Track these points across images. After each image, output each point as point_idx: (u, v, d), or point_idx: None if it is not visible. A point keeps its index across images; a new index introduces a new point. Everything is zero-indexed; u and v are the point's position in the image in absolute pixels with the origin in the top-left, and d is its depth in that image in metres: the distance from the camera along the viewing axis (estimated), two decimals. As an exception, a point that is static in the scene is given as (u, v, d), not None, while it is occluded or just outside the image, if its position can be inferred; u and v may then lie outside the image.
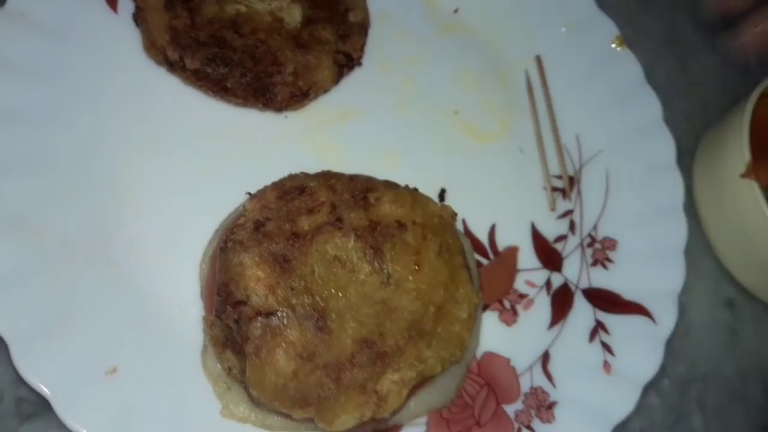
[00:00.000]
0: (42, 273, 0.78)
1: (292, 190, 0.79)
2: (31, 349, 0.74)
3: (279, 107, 0.91)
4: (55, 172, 0.84)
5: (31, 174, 0.82)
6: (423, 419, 0.83)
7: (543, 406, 0.85)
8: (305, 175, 0.82)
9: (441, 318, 0.77)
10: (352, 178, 0.82)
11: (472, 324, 0.79)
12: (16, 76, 0.85)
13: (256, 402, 0.72)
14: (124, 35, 0.92)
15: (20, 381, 0.74)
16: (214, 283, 0.75)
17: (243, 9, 0.91)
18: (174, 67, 0.89)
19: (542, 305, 0.92)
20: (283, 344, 0.71)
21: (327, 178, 0.82)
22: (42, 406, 0.74)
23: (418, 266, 0.78)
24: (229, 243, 0.75)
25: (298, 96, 0.91)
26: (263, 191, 0.79)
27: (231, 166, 0.90)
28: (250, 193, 0.79)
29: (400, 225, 0.80)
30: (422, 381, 0.76)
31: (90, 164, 0.86)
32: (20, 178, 0.82)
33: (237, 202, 0.84)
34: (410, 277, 0.77)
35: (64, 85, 0.87)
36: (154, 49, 0.89)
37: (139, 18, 0.89)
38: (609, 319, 0.90)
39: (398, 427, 0.82)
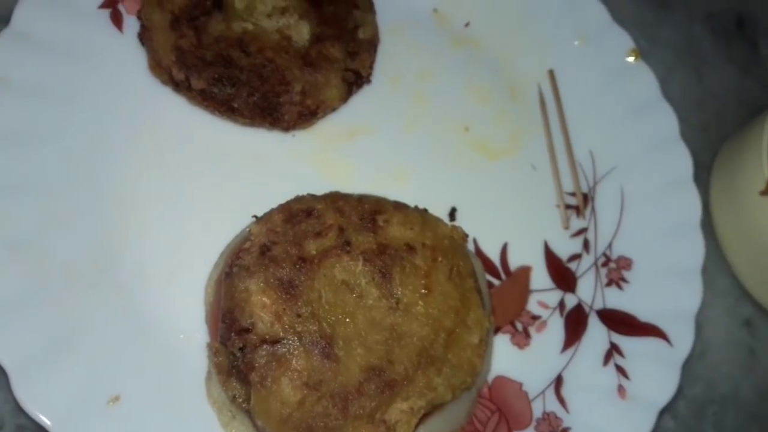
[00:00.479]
0: (43, 299, 0.77)
1: (299, 213, 0.77)
2: (30, 378, 0.73)
3: (287, 127, 0.90)
4: (58, 195, 0.83)
5: (33, 197, 0.82)
6: (433, 446, 0.81)
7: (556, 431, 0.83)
8: (312, 197, 0.80)
9: (452, 344, 0.75)
10: (360, 200, 0.81)
11: (484, 349, 0.77)
12: (19, 97, 0.84)
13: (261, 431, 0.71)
14: (129, 55, 0.91)
15: (21, 409, 0.73)
16: (219, 309, 0.74)
17: (250, 27, 0.89)
18: (180, 86, 0.87)
19: (555, 327, 0.90)
20: (289, 373, 0.69)
21: (335, 200, 0.80)
22: (43, 435, 0.73)
23: (428, 290, 0.76)
24: (234, 268, 0.74)
25: (306, 115, 0.90)
26: (269, 214, 0.78)
27: (237, 187, 0.89)
28: (256, 216, 0.78)
29: (410, 248, 0.78)
30: (432, 409, 0.74)
31: (94, 186, 0.85)
32: (23, 201, 0.81)
33: (243, 224, 0.83)
34: (420, 302, 0.75)
35: (68, 106, 0.87)
36: (159, 68, 0.88)
37: (144, 37, 0.88)
38: (624, 342, 0.88)
39: (408, 454, 0.80)
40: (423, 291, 0.76)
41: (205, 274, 0.83)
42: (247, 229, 0.79)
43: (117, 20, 0.92)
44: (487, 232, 0.94)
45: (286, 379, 0.68)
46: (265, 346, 0.69)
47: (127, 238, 0.84)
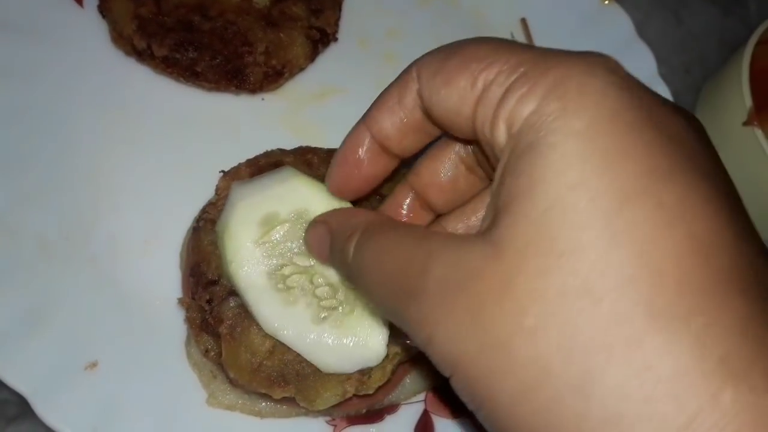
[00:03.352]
0: (16, 273, 0.76)
1: (267, 167, 0.76)
2: (7, 350, 0.72)
3: (253, 89, 0.89)
4: (28, 171, 0.82)
5: (3, 173, 0.81)
6: (421, 397, 0.79)
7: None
8: (281, 151, 0.79)
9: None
10: (330, 152, 0.79)
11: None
12: (-19, 77, 0.84)
13: (234, 384, 0.70)
14: (90, 29, 0.90)
15: (3, 383, 0.72)
16: (188, 265, 0.73)
17: (210, -9, 0.88)
18: (143, 55, 0.87)
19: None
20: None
21: (304, 153, 0.79)
22: (27, 406, 0.72)
23: (402, 237, 0.74)
24: (200, 222, 0.73)
25: (272, 76, 0.89)
26: (236, 168, 0.76)
27: (209, 154, 0.87)
28: (223, 171, 0.77)
29: (383, 197, 0.76)
30: (413, 357, 0.73)
31: (64, 160, 0.84)
32: (-9, 179, 0.80)
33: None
34: (393, 249, 0.74)
35: (32, 83, 0.86)
36: (121, 39, 0.87)
37: (104, 9, 0.88)
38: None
39: (396, 406, 0.79)
40: (397, 238, 0.74)
41: (179, 240, 0.82)
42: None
43: (77, -5, 0.91)
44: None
45: (255, 328, 0.67)
46: (232, 298, 0.68)
47: (100, 210, 0.83)
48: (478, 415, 0.45)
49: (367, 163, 0.61)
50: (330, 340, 0.66)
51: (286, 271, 0.67)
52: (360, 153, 0.61)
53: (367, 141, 0.60)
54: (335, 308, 0.67)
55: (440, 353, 0.45)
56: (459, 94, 0.49)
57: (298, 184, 0.70)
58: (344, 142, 0.62)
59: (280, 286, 0.67)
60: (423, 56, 0.54)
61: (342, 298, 0.67)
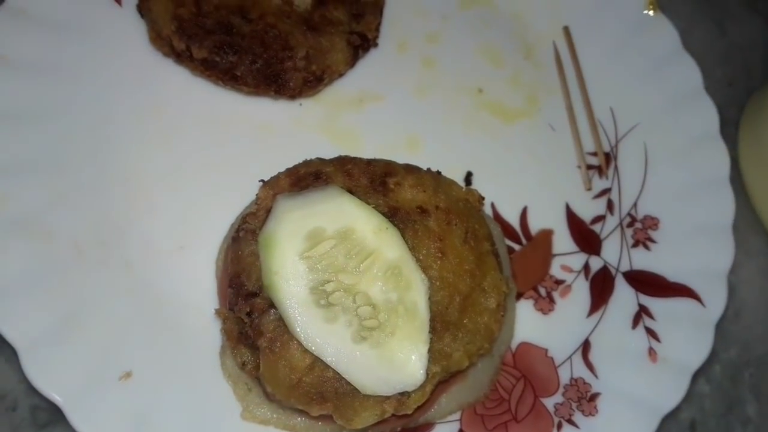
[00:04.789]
0: (52, 277, 0.76)
1: (307, 176, 0.75)
2: (41, 357, 0.71)
3: (292, 94, 0.87)
4: (64, 172, 0.81)
5: (39, 174, 0.80)
6: (456, 416, 0.78)
7: (584, 398, 0.79)
8: (321, 161, 0.78)
9: (467, 308, 0.72)
10: (370, 163, 0.78)
11: (502, 314, 0.74)
12: (20, 74, 0.83)
13: (271, 399, 0.69)
14: (129, 28, 0.89)
15: (34, 389, 0.71)
16: (227, 275, 0.72)
17: (250, -8, 0.87)
18: (181, 57, 0.85)
19: (580, 291, 0.87)
20: (298, 337, 0.67)
21: (343, 163, 0.77)
22: (58, 414, 0.71)
23: (442, 254, 0.73)
24: (241, 232, 0.71)
25: (312, 81, 0.87)
26: (276, 178, 0.75)
27: (245, 159, 0.87)
28: (263, 181, 0.75)
29: (423, 210, 0.75)
30: (450, 376, 0.71)
31: (100, 162, 0.83)
32: (29, 179, 0.80)
33: (252, 196, 0.80)
34: (434, 266, 0.72)
35: (70, 82, 0.85)
36: (160, 40, 0.86)
37: (143, 9, 0.87)
38: (653, 304, 0.84)
39: (431, 425, 0.77)
40: (437, 254, 0.73)
41: (215, 247, 0.81)
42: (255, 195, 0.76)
43: (115, -7, 0.90)
44: (505, 196, 0.91)
45: (295, 343, 0.65)
46: (272, 310, 0.67)
47: (135, 214, 0.82)
48: None
49: None
50: (369, 361, 0.65)
51: (329, 287, 0.66)
52: None
53: None
54: (376, 329, 0.66)
55: None
56: None
57: (345, 202, 0.69)
58: None
59: (323, 302, 0.66)
60: None
61: (384, 319, 0.66)
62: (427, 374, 0.68)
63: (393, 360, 0.66)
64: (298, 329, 0.65)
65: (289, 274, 0.66)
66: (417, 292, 0.69)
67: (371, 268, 0.68)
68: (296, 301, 0.66)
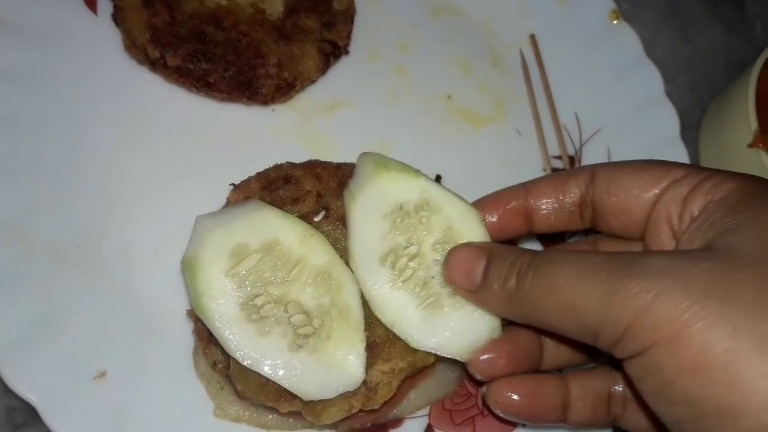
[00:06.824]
0: (27, 281, 0.76)
1: (277, 180, 0.77)
2: (16, 358, 0.72)
3: (265, 100, 0.89)
4: (40, 178, 0.82)
5: (16, 180, 0.81)
6: (425, 411, 0.80)
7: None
8: (291, 164, 0.80)
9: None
10: (339, 166, 0.80)
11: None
12: (-2, 83, 0.84)
13: (242, 397, 0.70)
14: (104, 37, 0.90)
15: (10, 391, 0.72)
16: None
17: (223, 2, 0.89)
18: (156, 65, 0.87)
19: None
20: (267, 336, 0.68)
21: (313, 166, 0.80)
22: (34, 414, 0.72)
23: (410, 254, 0.75)
24: (209, 236, 0.73)
25: (284, 88, 0.89)
26: (247, 182, 0.77)
27: (219, 164, 0.88)
28: (234, 184, 0.77)
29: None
30: (417, 372, 0.73)
31: (76, 168, 0.84)
32: (5, 185, 0.80)
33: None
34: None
35: (46, 90, 0.86)
36: (134, 48, 0.87)
37: (118, 17, 0.88)
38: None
39: (400, 420, 0.80)
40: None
41: (189, 250, 0.82)
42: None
43: (91, 2, 0.91)
44: (473, 198, 0.92)
45: (264, 341, 0.67)
46: (242, 311, 0.68)
47: (111, 218, 0.84)
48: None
49: (509, 215, 0.73)
50: (308, 367, 0.67)
51: (260, 301, 0.67)
52: (512, 204, 0.73)
53: (521, 200, 0.73)
54: (311, 335, 0.67)
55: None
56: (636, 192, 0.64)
57: (266, 215, 0.70)
58: (502, 190, 0.75)
59: (254, 316, 0.67)
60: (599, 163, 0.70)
61: (318, 324, 0.68)
62: (394, 370, 0.70)
63: (332, 363, 0.67)
64: (232, 347, 0.66)
65: (217, 293, 0.67)
66: (348, 292, 0.70)
67: (300, 276, 0.69)
68: (227, 320, 0.66)
